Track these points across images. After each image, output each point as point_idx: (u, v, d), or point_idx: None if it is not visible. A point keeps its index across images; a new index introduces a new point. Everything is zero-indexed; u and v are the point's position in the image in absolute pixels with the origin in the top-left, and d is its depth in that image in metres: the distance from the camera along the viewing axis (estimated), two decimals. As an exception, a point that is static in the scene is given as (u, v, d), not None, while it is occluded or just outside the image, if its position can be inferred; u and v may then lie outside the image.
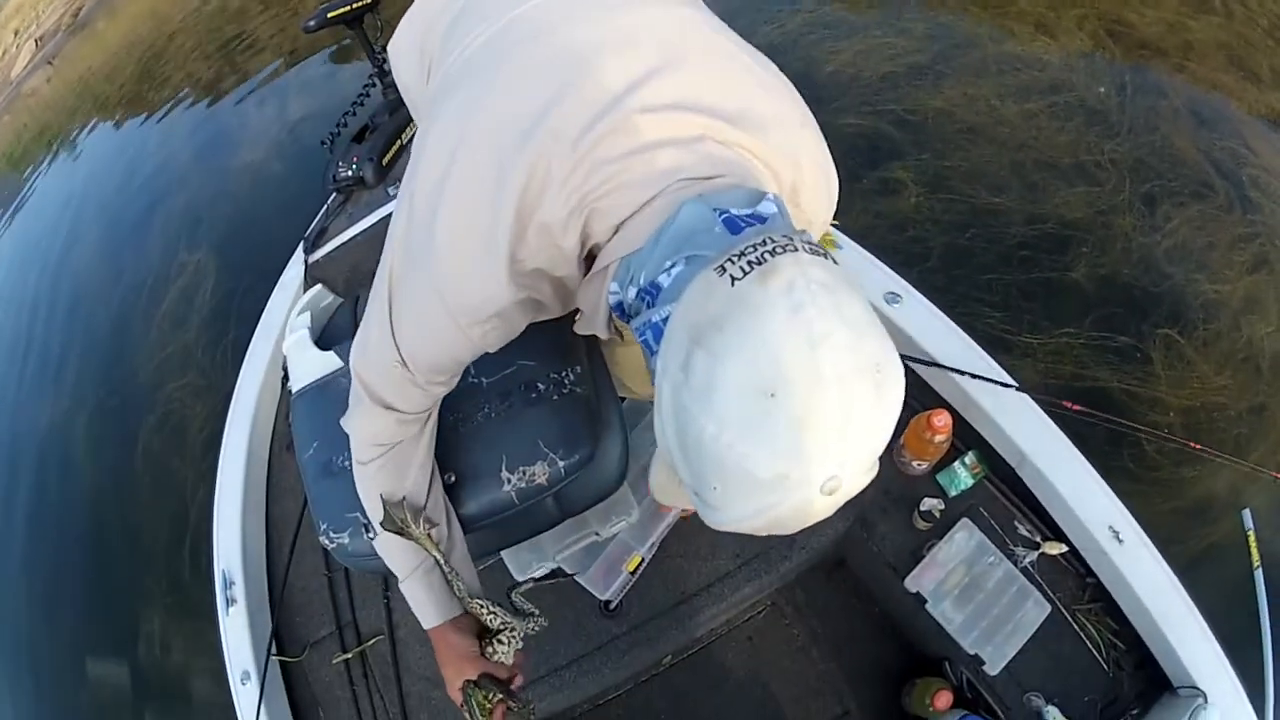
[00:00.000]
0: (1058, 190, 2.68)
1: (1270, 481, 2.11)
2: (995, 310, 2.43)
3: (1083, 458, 1.47)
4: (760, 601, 1.77)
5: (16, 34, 10.34)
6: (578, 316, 0.85)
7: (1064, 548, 1.50)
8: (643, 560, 1.62)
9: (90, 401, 3.77)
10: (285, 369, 1.42)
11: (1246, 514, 1.37)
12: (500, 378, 1.10)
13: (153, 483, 3.22)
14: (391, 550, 0.98)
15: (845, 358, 0.52)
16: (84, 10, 10.13)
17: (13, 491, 3.68)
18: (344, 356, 1.22)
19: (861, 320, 0.55)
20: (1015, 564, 1.52)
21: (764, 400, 0.52)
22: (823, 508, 0.56)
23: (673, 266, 0.61)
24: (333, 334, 1.36)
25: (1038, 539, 1.54)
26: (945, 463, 1.60)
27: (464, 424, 1.08)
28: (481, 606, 0.98)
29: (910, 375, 1.62)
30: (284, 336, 1.38)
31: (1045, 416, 1.50)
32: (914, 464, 1.58)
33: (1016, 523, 1.57)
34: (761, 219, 0.61)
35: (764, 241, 0.56)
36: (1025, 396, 1.52)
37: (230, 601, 1.73)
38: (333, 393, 1.19)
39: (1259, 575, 1.32)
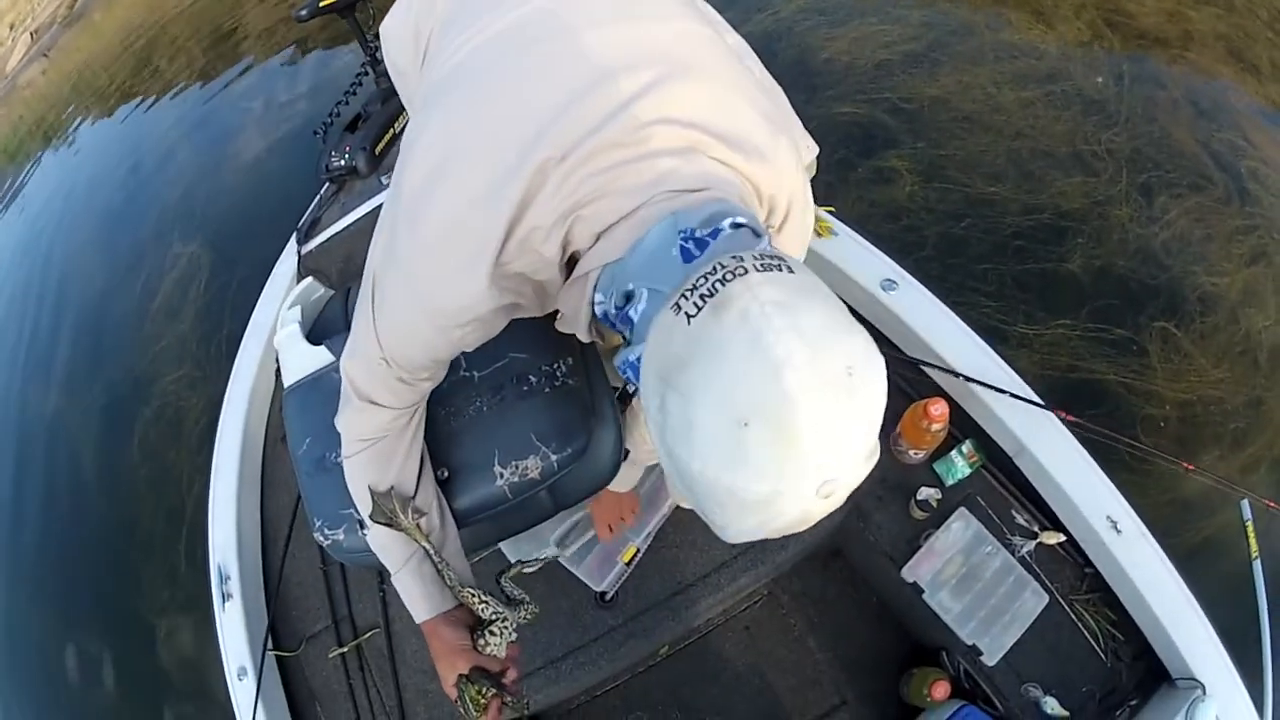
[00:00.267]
0: (1054, 180, 2.67)
1: (1266, 473, 2.12)
2: (991, 300, 2.42)
3: (1081, 447, 1.46)
4: (757, 591, 1.77)
5: (12, 27, 10.32)
6: (559, 315, 0.85)
7: (1062, 537, 1.50)
8: (638, 551, 1.63)
9: (87, 394, 3.76)
10: (279, 362, 1.42)
11: (1245, 504, 1.36)
12: (492, 371, 1.10)
13: (149, 475, 3.21)
14: (383, 543, 0.98)
15: (809, 375, 0.52)
16: (80, 2, 10.10)
17: (10, 483, 3.68)
18: (335, 351, 1.21)
19: (821, 330, 0.55)
20: (1013, 554, 1.52)
21: (739, 431, 0.53)
22: (827, 507, 0.57)
23: (639, 297, 0.64)
24: (324, 328, 1.35)
25: (1035, 528, 1.53)
26: (942, 451, 1.60)
27: (456, 418, 1.07)
28: (473, 596, 0.98)
29: (907, 364, 1.62)
30: (276, 329, 1.37)
31: (1039, 400, 1.50)
32: (911, 453, 1.58)
33: (1014, 512, 1.56)
34: (717, 234, 0.62)
35: (713, 270, 0.57)
36: (1023, 386, 1.51)
37: (226, 596, 1.73)
38: (325, 387, 1.18)
39: (1258, 566, 1.31)
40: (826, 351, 0.54)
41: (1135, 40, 3.12)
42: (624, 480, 1.47)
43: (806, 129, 1.07)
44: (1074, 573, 1.51)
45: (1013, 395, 1.48)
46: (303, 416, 1.19)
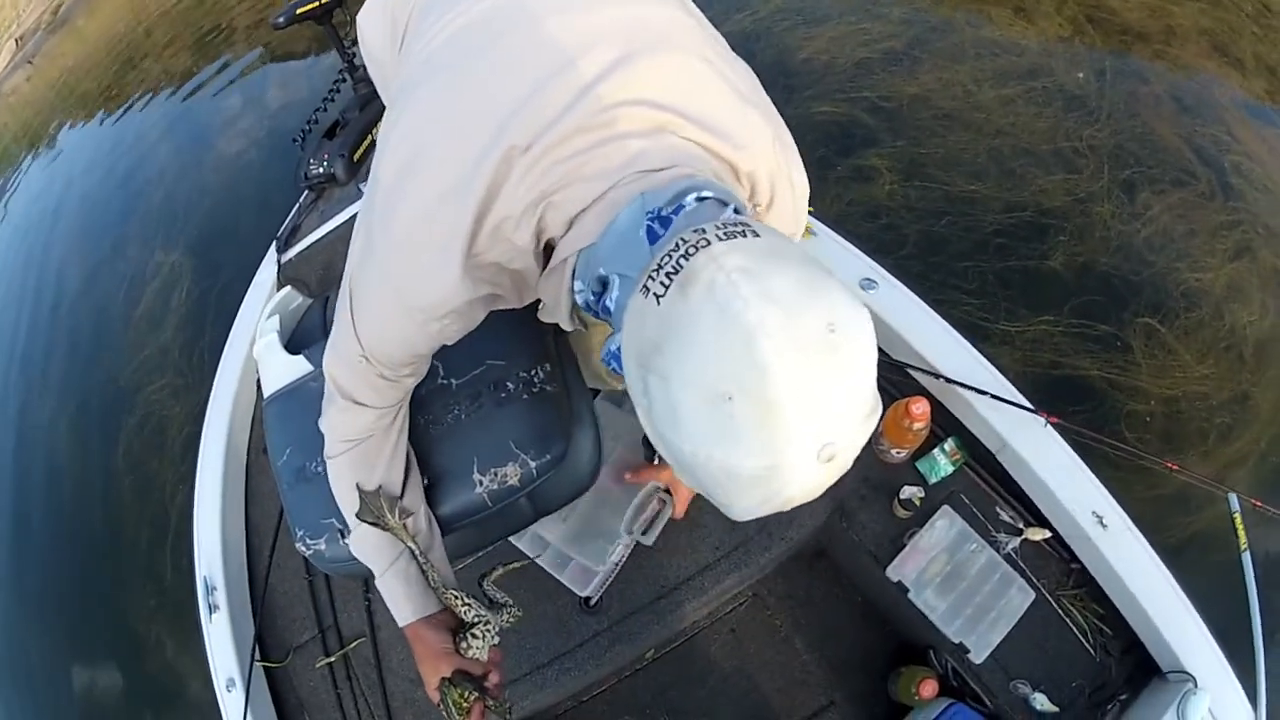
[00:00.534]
0: (1035, 177, 2.68)
1: (1254, 467, 2.12)
2: (972, 298, 2.42)
3: (1064, 443, 1.46)
4: (742, 593, 1.77)
5: (-2, 34, 10.28)
6: (540, 305, 0.85)
7: (1047, 533, 1.50)
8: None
9: (71, 404, 3.76)
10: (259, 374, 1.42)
11: (1233, 497, 1.35)
12: (470, 379, 1.10)
13: (134, 484, 3.21)
14: (367, 545, 0.98)
15: (784, 339, 0.51)
16: (64, 7, 10.07)
17: (-4, 492, 3.67)
18: (314, 360, 1.21)
19: (792, 291, 0.53)
20: (998, 551, 1.52)
21: (722, 407, 0.51)
22: (832, 472, 0.56)
23: (612, 285, 0.64)
24: (302, 337, 1.35)
25: (1020, 525, 1.53)
26: (924, 450, 1.60)
27: (434, 426, 1.08)
28: (456, 598, 0.98)
29: (886, 362, 1.62)
30: (255, 339, 1.37)
31: (1025, 402, 1.49)
32: (893, 452, 1.58)
33: (998, 509, 1.56)
34: (680, 210, 0.62)
35: (676, 246, 0.55)
36: (1005, 384, 1.51)
37: (213, 608, 1.73)
38: (304, 397, 1.18)
39: (1246, 557, 1.31)
40: (802, 312, 0.52)
41: (1117, 35, 3.13)
42: None
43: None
44: (1060, 568, 1.51)
45: (994, 397, 1.48)
46: (282, 426, 1.19)
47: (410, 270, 0.73)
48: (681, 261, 0.54)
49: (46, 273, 4.74)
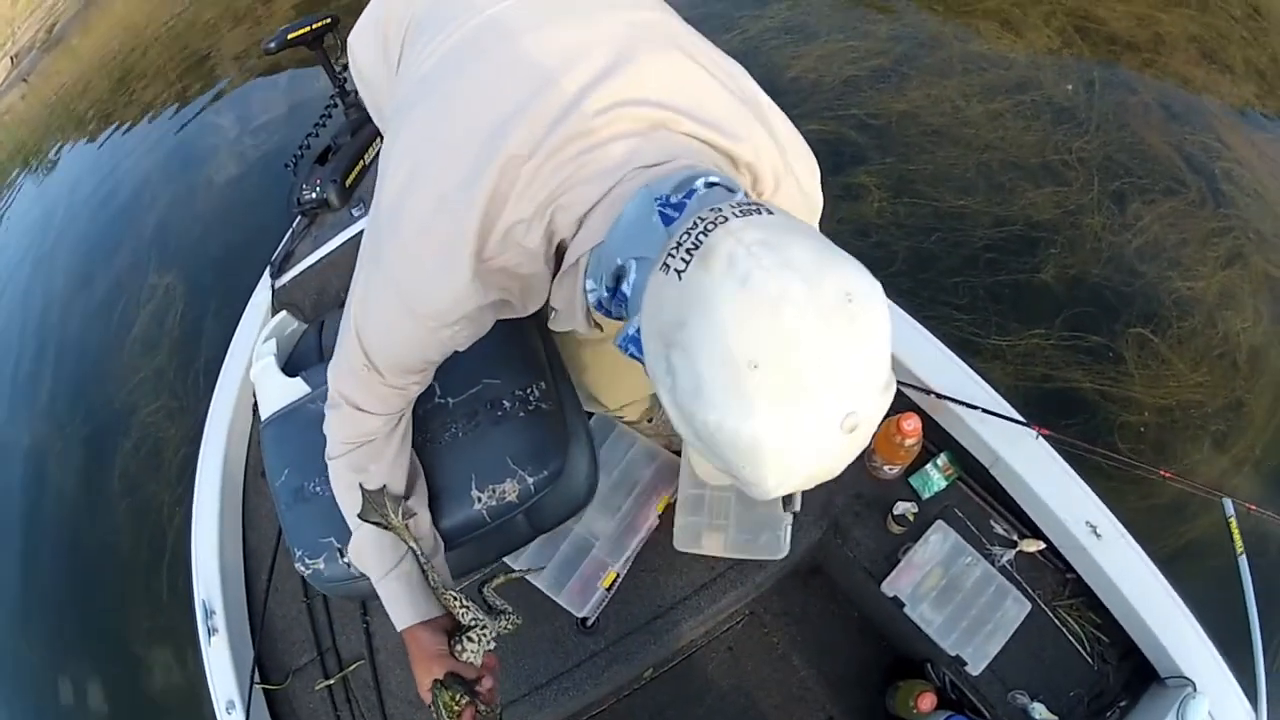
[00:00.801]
0: (1025, 191, 2.67)
1: (1248, 474, 2.12)
2: (962, 313, 2.42)
3: (1056, 454, 1.46)
4: (739, 611, 1.77)
5: (-9, 53, 10.31)
6: (552, 315, 0.86)
7: (1041, 545, 1.50)
8: (618, 576, 1.63)
9: (67, 426, 3.76)
10: (255, 397, 1.43)
11: (1228, 502, 1.35)
12: (466, 397, 1.11)
13: (130, 506, 3.21)
14: (368, 547, 0.98)
15: (808, 306, 0.52)
16: (58, 26, 10.11)
17: (-7, 515, 3.69)
18: (311, 382, 1.23)
19: (811, 261, 0.54)
20: (993, 563, 1.53)
21: (748, 375, 0.52)
22: (852, 444, 0.56)
23: (628, 270, 0.64)
24: (299, 360, 1.37)
25: (1014, 537, 1.54)
26: (917, 465, 1.61)
27: (432, 444, 1.09)
28: (455, 600, 0.98)
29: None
30: (252, 363, 1.38)
31: (1016, 415, 1.50)
32: (885, 468, 1.59)
33: (992, 522, 1.57)
34: (691, 194, 0.63)
35: (694, 224, 0.57)
36: (996, 398, 1.52)
37: (211, 631, 1.73)
38: (301, 419, 1.20)
39: (1243, 561, 1.31)
40: (821, 281, 0.53)
41: (1105, 46, 3.13)
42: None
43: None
44: (1055, 579, 1.51)
45: (986, 411, 1.49)
46: (280, 448, 1.21)
47: (420, 276, 0.75)
48: (700, 238, 0.55)
49: (40, 295, 4.75)
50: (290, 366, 1.31)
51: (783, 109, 0.83)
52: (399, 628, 1.00)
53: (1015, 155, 2.78)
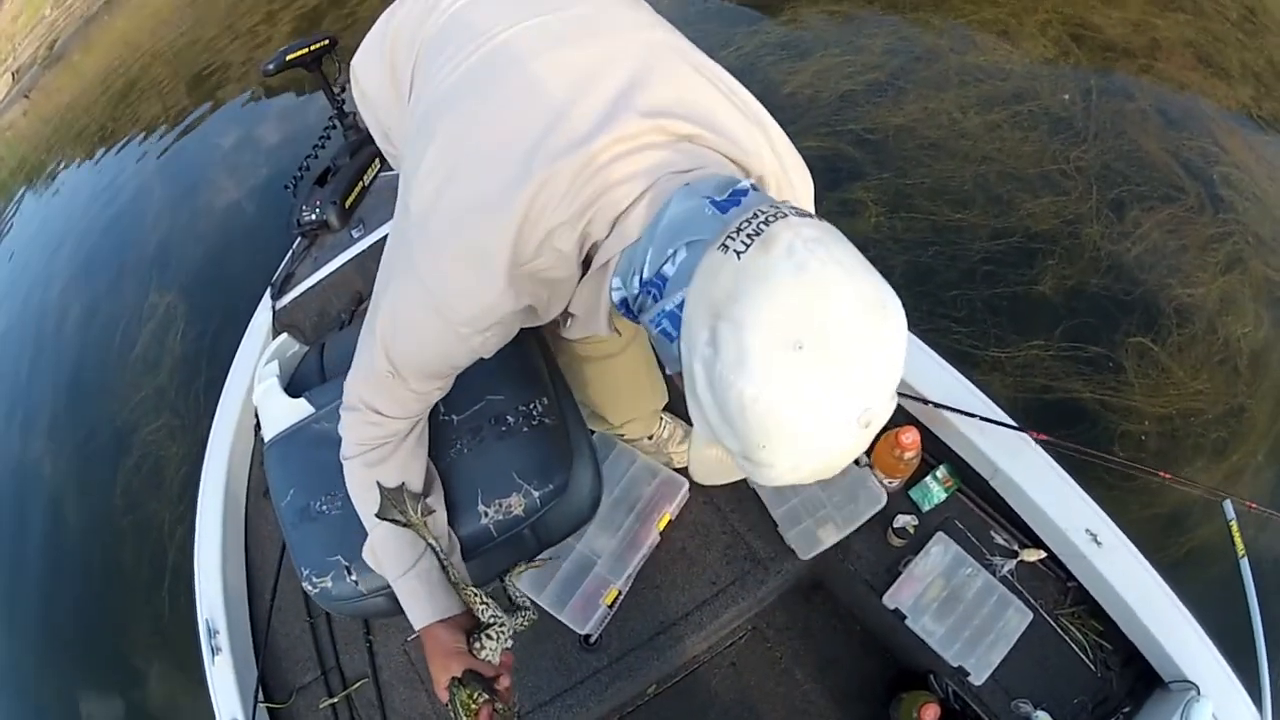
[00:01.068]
0: (1022, 202, 2.68)
1: (1250, 479, 2.11)
2: (961, 326, 2.42)
3: (1055, 464, 1.47)
4: (741, 626, 1.77)
5: (-7, 68, 10.38)
6: (569, 323, 0.88)
7: (1042, 554, 1.50)
8: (620, 593, 1.63)
9: (69, 444, 3.79)
10: (257, 418, 1.44)
11: (1228, 504, 1.35)
12: (470, 414, 1.12)
13: (132, 523, 3.23)
14: (387, 548, 0.99)
15: (853, 300, 0.58)
16: (59, 42, 10.18)
17: (-1, 533, 3.70)
18: (314, 402, 1.23)
19: (857, 265, 0.60)
20: (994, 574, 1.53)
21: (793, 354, 0.56)
22: (862, 441, 0.61)
23: (675, 254, 0.66)
24: (301, 381, 1.37)
25: (1015, 547, 1.54)
26: (917, 478, 1.61)
27: (438, 461, 1.09)
28: (475, 596, 0.99)
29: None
30: (254, 385, 1.39)
31: (1009, 420, 1.50)
32: (885, 482, 1.59)
33: (993, 533, 1.57)
34: (743, 194, 0.66)
35: (755, 215, 0.61)
36: (991, 406, 1.52)
37: (215, 650, 1.73)
38: (306, 439, 1.21)
39: (1244, 564, 1.31)
40: (863, 281, 0.59)
41: (1102, 53, 3.13)
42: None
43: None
44: (1057, 587, 1.51)
45: (982, 419, 1.49)
46: (285, 468, 1.21)
47: (455, 281, 0.76)
48: (762, 226, 0.60)
49: (43, 312, 4.79)
50: (293, 388, 1.31)
51: (779, 125, 0.86)
52: (417, 626, 1.00)
53: (1013, 166, 2.78)
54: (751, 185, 0.68)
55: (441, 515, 1.03)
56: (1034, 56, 3.17)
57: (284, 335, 1.64)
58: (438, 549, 0.99)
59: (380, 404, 0.90)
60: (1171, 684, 1.33)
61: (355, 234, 2.00)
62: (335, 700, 1.74)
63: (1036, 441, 1.48)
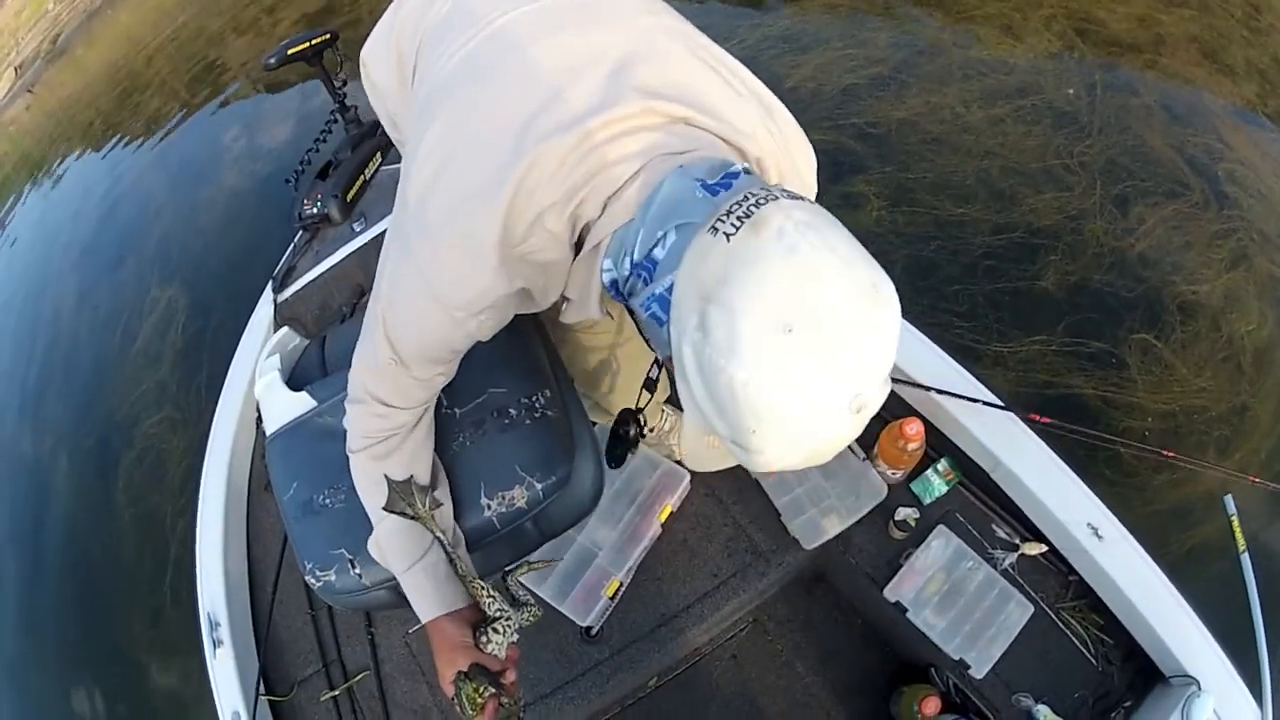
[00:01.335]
0: (1025, 197, 2.67)
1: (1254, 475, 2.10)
2: (962, 320, 2.42)
3: (1057, 458, 1.47)
4: (742, 619, 1.77)
5: (-4, 62, 10.38)
6: (565, 306, 0.87)
7: (1043, 548, 1.51)
8: (621, 585, 1.64)
9: (71, 438, 3.79)
10: (259, 411, 1.44)
11: (1229, 500, 1.35)
12: (473, 406, 1.13)
13: (134, 516, 3.23)
14: (393, 541, 0.99)
15: (844, 283, 0.57)
16: (63, 36, 10.17)
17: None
18: (316, 396, 1.23)
19: (849, 249, 0.59)
20: (995, 567, 1.53)
21: (783, 337, 0.56)
22: (854, 427, 0.60)
23: (665, 237, 0.66)
24: (302, 374, 1.37)
25: (1016, 541, 1.54)
26: (918, 471, 1.61)
27: (441, 454, 1.09)
28: (482, 589, 0.99)
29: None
30: (255, 379, 1.40)
31: (1017, 420, 1.50)
32: (889, 472, 1.59)
33: (994, 526, 1.57)
34: (735, 176, 0.66)
35: (745, 198, 0.60)
36: (988, 395, 1.52)
37: (217, 643, 1.74)
38: (308, 432, 1.21)
39: (1245, 559, 1.31)
40: (855, 266, 0.58)
41: (1106, 48, 3.13)
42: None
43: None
44: (1058, 581, 1.51)
45: (982, 402, 1.49)
46: (287, 462, 1.21)
47: (449, 265, 0.77)
48: (752, 209, 0.59)
49: (45, 307, 4.79)
50: (294, 381, 1.31)
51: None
52: (424, 619, 1.00)
53: (1016, 161, 2.77)
54: (744, 169, 0.68)
55: (448, 508, 1.03)
56: (1038, 51, 3.16)
57: (285, 329, 1.64)
58: (444, 542, 0.99)
59: (385, 394, 0.90)
60: (1172, 679, 1.33)
61: (357, 227, 2.00)
62: (337, 693, 1.75)
63: (1036, 424, 1.47)
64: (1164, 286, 2.42)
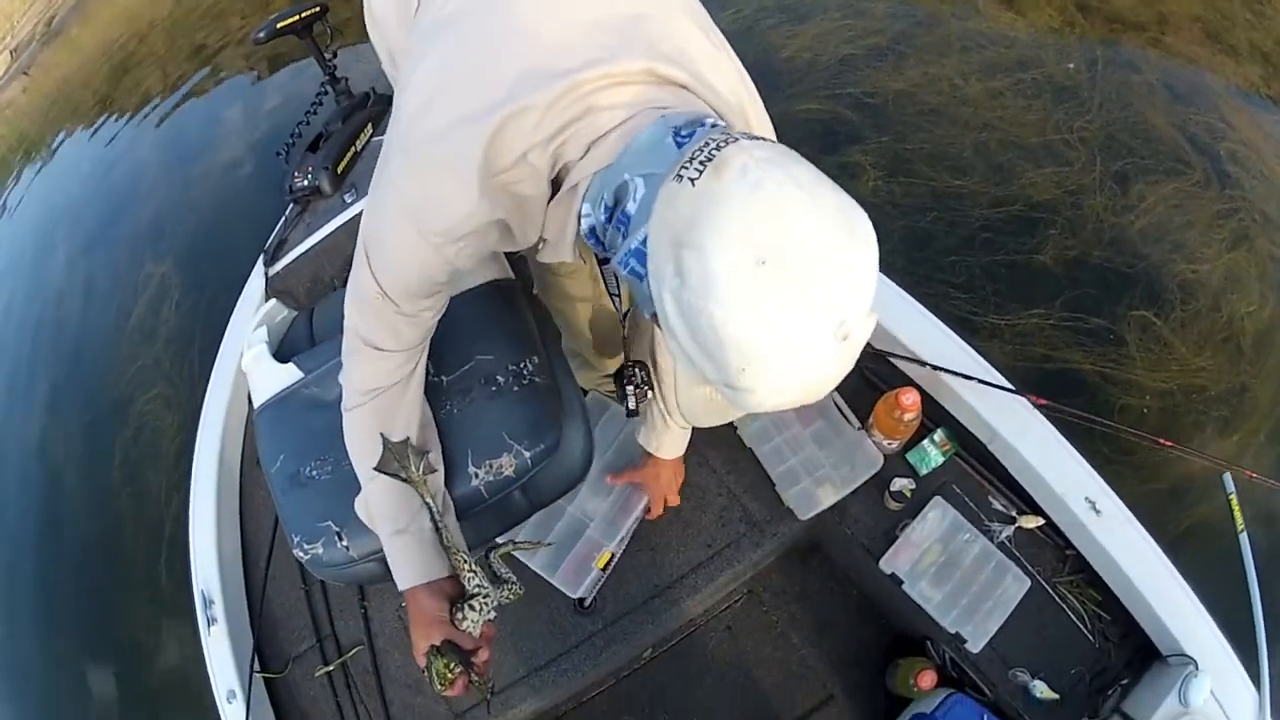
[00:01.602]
0: (1024, 171, 2.65)
1: (1252, 459, 2.10)
2: (959, 292, 2.41)
3: (1055, 430, 1.46)
4: (737, 590, 1.77)
5: (-8, 46, 10.31)
6: (541, 246, 0.87)
7: (1041, 521, 1.50)
8: (613, 556, 1.62)
9: (66, 416, 3.78)
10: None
11: (1227, 478, 1.35)
12: (460, 374, 1.12)
13: (130, 494, 3.22)
14: (382, 502, 0.99)
15: (811, 213, 0.57)
16: (57, 18, 10.12)
17: (-4, 504, 3.71)
18: (303, 367, 1.23)
19: (813, 180, 0.60)
20: (991, 540, 1.52)
21: (757, 271, 0.56)
22: (843, 358, 0.60)
23: (635, 190, 0.67)
24: (290, 347, 1.36)
25: (1013, 513, 1.53)
26: (914, 442, 1.60)
27: None
28: (464, 562, 0.98)
29: (877, 355, 1.61)
30: (243, 353, 1.39)
31: (1007, 384, 1.50)
32: (885, 443, 1.58)
33: (990, 498, 1.56)
34: (700, 125, 0.67)
35: (707, 143, 0.61)
36: (991, 370, 1.51)
37: (211, 621, 1.73)
38: (295, 404, 1.20)
39: (1244, 538, 1.31)
40: (822, 197, 0.59)
41: (1108, 25, 3.11)
42: (677, 444, 1.48)
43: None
44: (1055, 555, 1.51)
45: (981, 381, 1.48)
46: (275, 434, 1.21)
47: (429, 188, 0.77)
48: (714, 152, 0.60)
49: (41, 285, 4.78)
50: (282, 353, 1.31)
51: (777, 89, 0.88)
52: (402, 586, 1.00)
53: (1015, 134, 2.75)
54: (712, 122, 0.68)
55: (440, 475, 1.02)
56: (1039, 25, 3.14)
57: (272, 301, 1.63)
58: (434, 509, 0.98)
59: (376, 336, 0.91)
60: (1170, 658, 1.33)
61: (348, 199, 1.99)
62: (331, 668, 1.74)
63: (1035, 406, 1.46)
64: (1164, 264, 2.41)
